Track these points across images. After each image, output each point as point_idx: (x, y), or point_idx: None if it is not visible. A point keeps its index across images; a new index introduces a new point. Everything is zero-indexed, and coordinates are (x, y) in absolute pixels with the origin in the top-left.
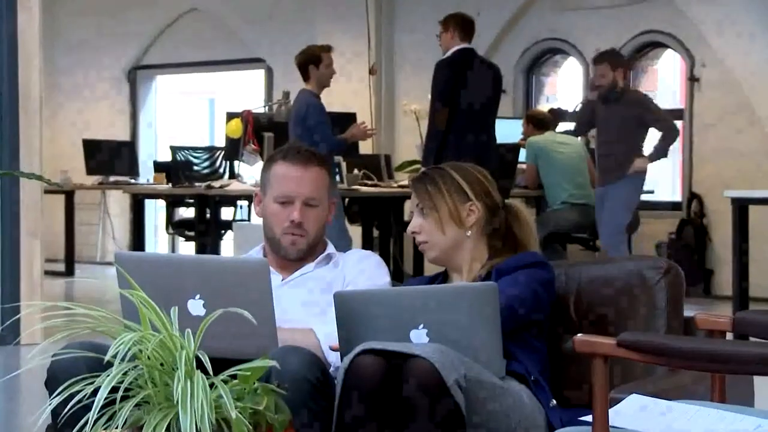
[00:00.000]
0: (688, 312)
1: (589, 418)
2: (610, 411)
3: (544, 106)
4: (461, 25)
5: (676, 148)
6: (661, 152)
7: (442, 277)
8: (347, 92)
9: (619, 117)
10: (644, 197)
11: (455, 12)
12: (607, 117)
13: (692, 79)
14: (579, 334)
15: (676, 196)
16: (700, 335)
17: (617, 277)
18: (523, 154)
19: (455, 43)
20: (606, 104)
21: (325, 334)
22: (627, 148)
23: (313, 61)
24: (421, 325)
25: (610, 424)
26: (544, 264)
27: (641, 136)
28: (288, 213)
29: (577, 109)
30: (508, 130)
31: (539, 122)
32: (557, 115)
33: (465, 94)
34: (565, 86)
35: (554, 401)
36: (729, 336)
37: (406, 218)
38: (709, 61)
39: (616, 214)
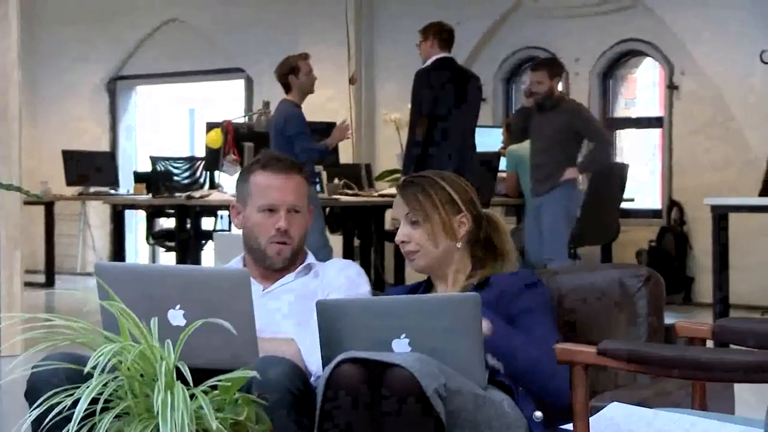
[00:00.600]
0: (668, 320)
1: (570, 426)
2: (591, 419)
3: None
4: (440, 34)
5: (655, 156)
6: (590, 164)
7: (425, 286)
8: (327, 102)
9: (553, 125)
10: (625, 205)
11: (435, 21)
12: (541, 125)
13: (671, 87)
14: (559, 343)
15: (656, 203)
16: (681, 343)
17: (598, 286)
18: (503, 163)
19: (435, 52)
20: (541, 112)
21: (306, 344)
22: (560, 158)
23: (292, 71)
24: (404, 335)
25: None
26: (541, 282)
27: (575, 146)
28: (273, 222)
29: (511, 117)
30: (488, 139)
31: (517, 132)
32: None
33: (444, 103)
34: None
35: (539, 413)
36: (709, 344)
37: (386, 227)
38: (689, 70)
39: (557, 226)
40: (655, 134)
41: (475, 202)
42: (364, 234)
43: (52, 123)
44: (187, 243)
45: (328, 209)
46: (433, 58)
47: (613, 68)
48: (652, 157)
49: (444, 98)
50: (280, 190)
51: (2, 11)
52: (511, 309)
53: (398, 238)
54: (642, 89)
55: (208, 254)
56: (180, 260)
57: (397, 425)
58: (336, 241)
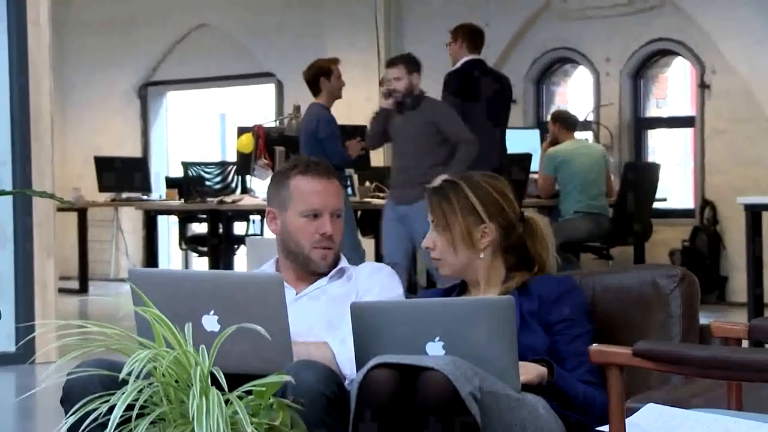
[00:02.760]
0: (703, 320)
1: (606, 428)
2: (627, 421)
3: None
4: (470, 35)
5: (687, 155)
6: (456, 168)
7: (459, 289)
8: (358, 104)
9: (416, 126)
10: (657, 205)
11: (465, 23)
12: (403, 126)
13: (703, 86)
14: (594, 344)
15: (689, 203)
16: (716, 343)
17: (632, 286)
18: (535, 164)
19: (464, 53)
20: (401, 112)
21: (339, 348)
22: (426, 162)
23: (324, 74)
24: (437, 338)
25: None
26: (577, 287)
27: (443, 150)
28: (316, 226)
29: (370, 121)
30: (519, 141)
31: (567, 121)
32: (576, 121)
33: (473, 105)
34: (576, 95)
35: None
36: (744, 343)
37: None
38: (720, 68)
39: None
40: (686, 133)
41: (505, 210)
42: None
43: (83, 130)
44: (219, 248)
45: (359, 212)
46: (463, 60)
47: (644, 68)
48: (684, 157)
49: (473, 100)
50: (323, 195)
51: (33, 18)
52: (550, 317)
53: (424, 243)
54: (673, 88)
55: (241, 259)
56: (212, 265)
57: (432, 428)
58: (368, 244)
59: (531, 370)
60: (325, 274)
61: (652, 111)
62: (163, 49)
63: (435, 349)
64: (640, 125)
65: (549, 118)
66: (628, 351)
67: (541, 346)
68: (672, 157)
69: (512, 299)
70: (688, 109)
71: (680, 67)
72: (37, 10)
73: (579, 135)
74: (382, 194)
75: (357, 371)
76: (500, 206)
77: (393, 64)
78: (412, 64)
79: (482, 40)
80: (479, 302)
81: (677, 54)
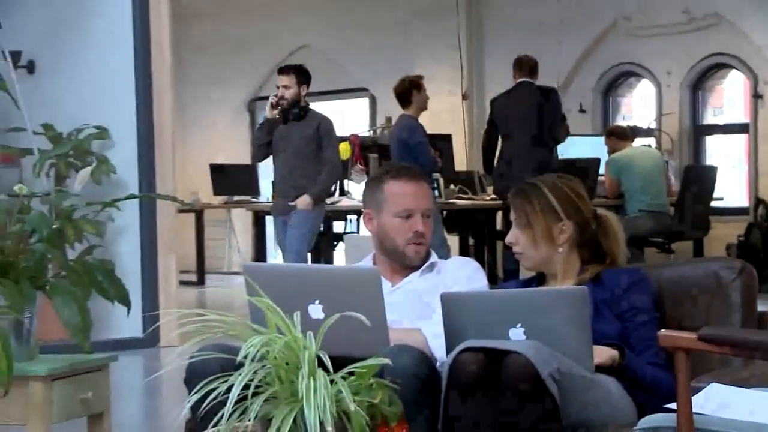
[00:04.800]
0: (760, 307)
1: (673, 405)
2: (693, 399)
3: (621, 124)
4: (518, 64)
5: (741, 159)
6: (320, 191)
7: (538, 280)
8: (443, 116)
9: (300, 137)
10: (714, 204)
11: (519, 56)
12: (287, 136)
13: (756, 96)
14: (662, 330)
15: (744, 202)
16: None
17: (695, 277)
18: (602, 168)
19: (516, 78)
20: (286, 122)
21: (431, 334)
22: (308, 173)
23: (415, 87)
24: (519, 324)
25: (693, 411)
26: (645, 278)
27: (317, 162)
28: (410, 225)
29: (255, 132)
30: (589, 147)
31: (621, 134)
32: (634, 131)
33: (505, 118)
34: (640, 106)
35: None
36: None
37: (498, 227)
38: None
39: (300, 241)
40: (741, 139)
41: (580, 209)
42: (477, 234)
43: (200, 140)
44: (320, 245)
45: (445, 212)
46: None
47: (702, 80)
48: (739, 160)
49: (506, 115)
50: (415, 197)
51: (157, 40)
52: (621, 306)
53: (508, 239)
54: (729, 98)
55: (339, 254)
56: (315, 260)
57: (516, 407)
58: (453, 240)
59: (603, 353)
60: (417, 268)
61: (709, 119)
62: (269, 68)
63: (517, 334)
64: (699, 132)
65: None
66: (694, 336)
67: (613, 332)
68: (728, 161)
69: (586, 289)
70: (742, 117)
71: (735, 78)
72: (160, 34)
73: (644, 141)
74: (465, 196)
75: (447, 355)
76: (576, 205)
77: (284, 72)
78: (302, 75)
79: (526, 65)
80: (557, 292)
81: (732, 67)
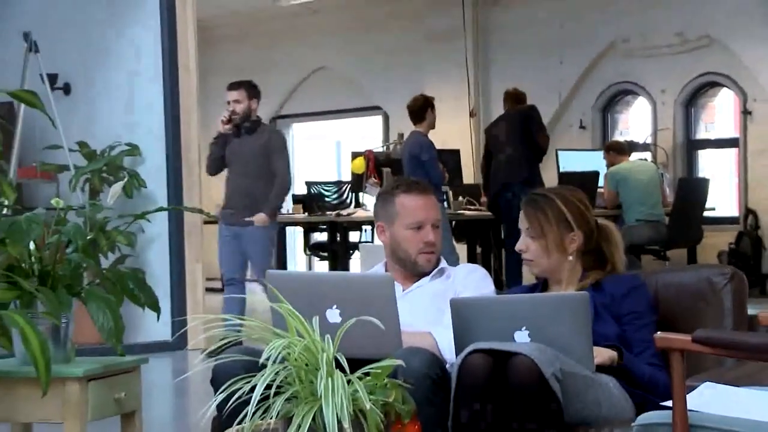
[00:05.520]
0: (750, 311)
1: (669, 403)
2: (687, 396)
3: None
4: (504, 98)
5: (732, 171)
6: (273, 206)
7: (542, 286)
8: (452, 132)
9: (252, 150)
10: (707, 214)
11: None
12: (239, 150)
13: (745, 113)
14: (658, 332)
15: (734, 211)
16: (763, 331)
17: (689, 283)
18: (601, 180)
19: (504, 108)
20: (239, 136)
21: (441, 337)
22: (259, 184)
23: (430, 106)
24: (524, 328)
25: (688, 408)
26: (644, 284)
27: (269, 175)
28: (421, 236)
29: (210, 146)
30: (589, 160)
31: (619, 149)
32: (630, 146)
33: (492, 138)
34: (636, 122)
35: None
36: None
37: (502, 236)
38: (760, 97)
39: (263, 256)
40: (731, 153)
41: (588, 219)
42: (484, 242)
43: None
44: (337, 253)
45: (453, 222)
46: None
47: (695, 98)
48: (730, 172)
49: (495, 140)
50: (425, 209)
51: (184, 64)
52: (620, 310)
53: (518, 246)
54: (720, 115)
55: (355, 262)
56: (332, 267)
57: (521, 404)
58: (461, 248)
59: (603, 354)
60: (428, 274)
61: (701, 134)
62: (289, 88)
63: (522, 337)
64: (692, 146)
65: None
66: (688, 338)
67: (613, 335)
68: (719, 173)
69: (587, 295)
70: (732, 132)
71: (726, 96)
72: (187, 57)
73: (640, 155)
74: (472, 207)
75: (456, 356)
76: (585, 216)
77: (234, 88)
78: (252, 89)
79: (511, 97)
80: (560, 297)
81: (723, 85)
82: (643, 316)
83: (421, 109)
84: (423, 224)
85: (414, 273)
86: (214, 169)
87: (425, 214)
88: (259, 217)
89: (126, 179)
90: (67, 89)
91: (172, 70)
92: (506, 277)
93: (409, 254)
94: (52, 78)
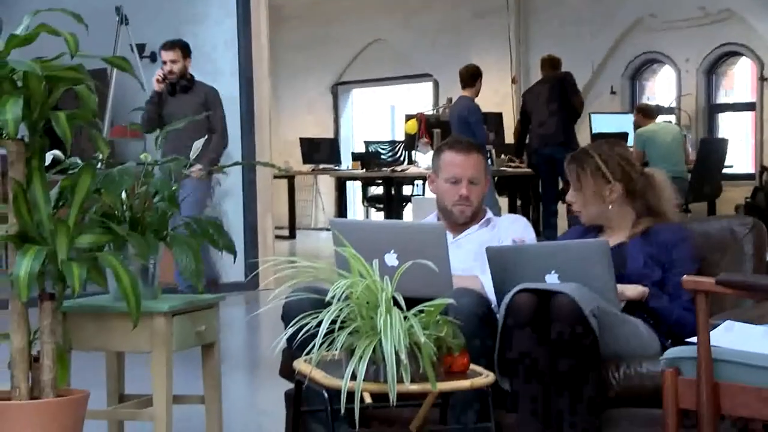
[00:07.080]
0: None
1: (694, 339)
2: (711, 333)
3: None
4: (541, 64)
5: (748, 132)
6: (209, 159)
7: (597, 230)
8: (496, 97)
9: (188, 108)
10: (725, 170)
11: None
12: (176, 108)
13: (762, 79)
14: (685, 275)
15: (750, 169)
16: None
17: (713, 232)
18: (630, 141)
19: (542, 74)
20: (174, 95)
21: (486, 280)
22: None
23: (479, 74)
24: (553, 271)
25: (711, 344)
26: (689, 235)
27: (206, 132)
28: (457, 190)
29: (145, 106)
30: (619, 123)
31: (647, 111)
32: (657, 109)
33: (531, 101)
34: (662, 88)
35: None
36: None
37: (540, 191)
38: None
39: (194, 207)
40: (749, 116)
41: (626, 170)
42: (523, 196)
43: (291, 118)
44: (391, 204)
45: (496, 178)
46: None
47: (715, 66)
48: (747, 134)
49: (533, 103)
50: (462, 166)
51: (256, 38)
52: (666, 258)
53: (567, 198)
54: (738, 81)
55: (407, 213)
56: (387, 217)
57: (563, 339)
58: (503, 201)
59: (635, 289)
60: (473, 223)
61: (721, 99)
62: (348, 58)
63: (552, 279)
64: (712, 110)
65: (633, 111)
66: (712, 280)
67: (656, 279)
68: (737, 134)
69: (606, 242)
70: (749, 97)
71: (744, 64)
72: (259, 32)
73: (665, 118)
74: (513, 164)
75: (495, 298)
76: (623, 168)
77: (170, 48)
78: (186, 49)
79: (548, 63)
80: (582, 244)
81: (742, 54)
82: (685, 264)
83: (472, 77)
84: (459, 179)
85: (454, 222)
86: (150, 128)
87: (462, 171)
88: (195, 168)
89: (205, 137)
90: (153, 57)
91: (247, 44)
92: (542, 227)
93: (446, 204)
94: (141, 47)
